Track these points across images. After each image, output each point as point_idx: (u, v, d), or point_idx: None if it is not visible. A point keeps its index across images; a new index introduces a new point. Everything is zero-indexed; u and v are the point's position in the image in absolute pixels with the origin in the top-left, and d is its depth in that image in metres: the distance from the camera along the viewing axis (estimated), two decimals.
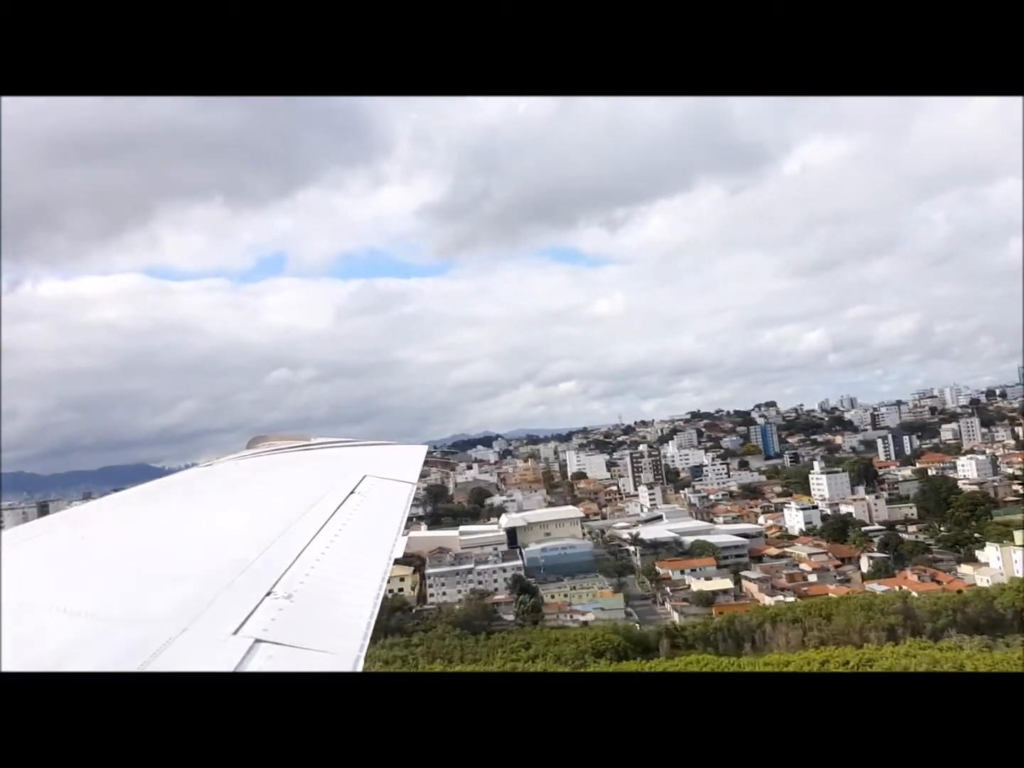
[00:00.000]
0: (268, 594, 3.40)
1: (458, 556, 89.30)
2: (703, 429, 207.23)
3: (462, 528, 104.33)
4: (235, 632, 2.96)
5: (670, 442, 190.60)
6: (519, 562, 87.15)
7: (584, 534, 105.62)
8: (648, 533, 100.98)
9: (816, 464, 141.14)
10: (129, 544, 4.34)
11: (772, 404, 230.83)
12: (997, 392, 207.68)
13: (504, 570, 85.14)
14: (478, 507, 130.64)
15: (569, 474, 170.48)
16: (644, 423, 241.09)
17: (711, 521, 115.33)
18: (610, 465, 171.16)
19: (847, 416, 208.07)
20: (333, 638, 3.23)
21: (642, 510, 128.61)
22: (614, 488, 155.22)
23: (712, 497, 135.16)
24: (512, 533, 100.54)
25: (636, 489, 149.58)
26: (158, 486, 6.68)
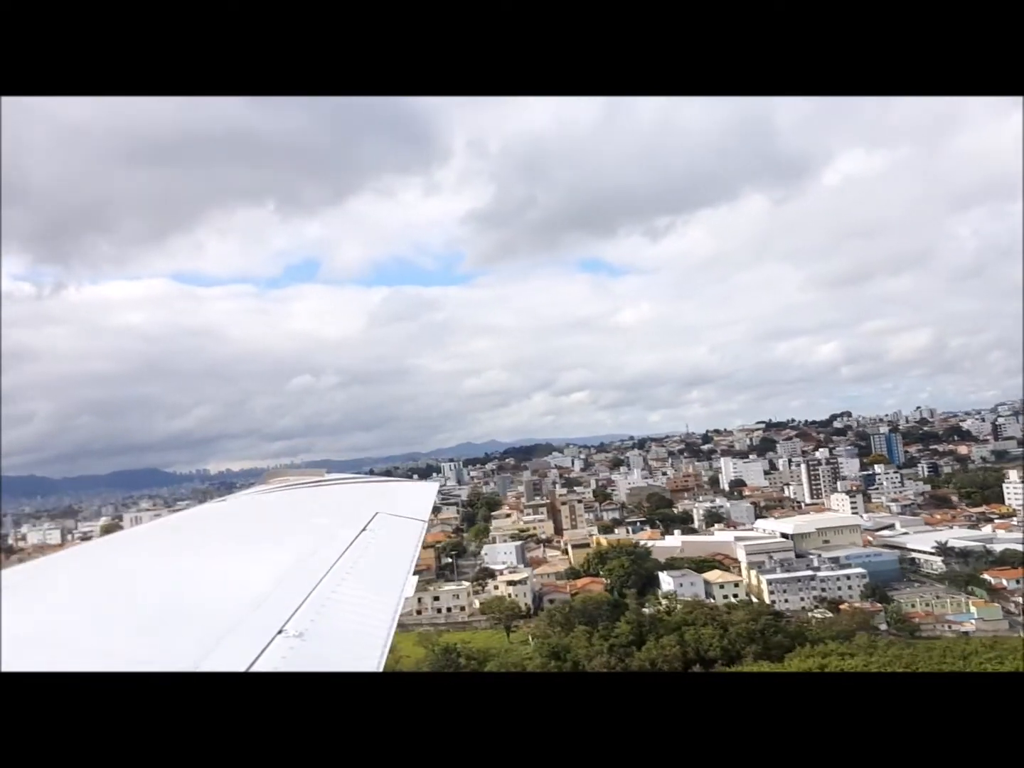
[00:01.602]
0: (279, 632, 3.38)
1: (784, 562, 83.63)
2: (798, 439, 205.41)
3: (736, 535, 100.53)
4: (245, 671, 2.94)
5: (773, 452, 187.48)
6: (859, 570, 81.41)
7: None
8: (913, 542, 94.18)
9: (1013, 473, 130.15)
10: (139, 582, 4.32)
11: (893, 416, 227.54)
12: None
13: (848, 577, 79.55)
14: (666, 512, 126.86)
15: (725, 482, 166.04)
16: (719, 432, 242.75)
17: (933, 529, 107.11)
18: (765, 473, 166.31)
19: (964, 426, 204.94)
20: None
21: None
22: (783, 495, 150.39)
23: (907, 505, 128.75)
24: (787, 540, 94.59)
25: (815, 497, 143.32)
26: (170, 522, 6.68)
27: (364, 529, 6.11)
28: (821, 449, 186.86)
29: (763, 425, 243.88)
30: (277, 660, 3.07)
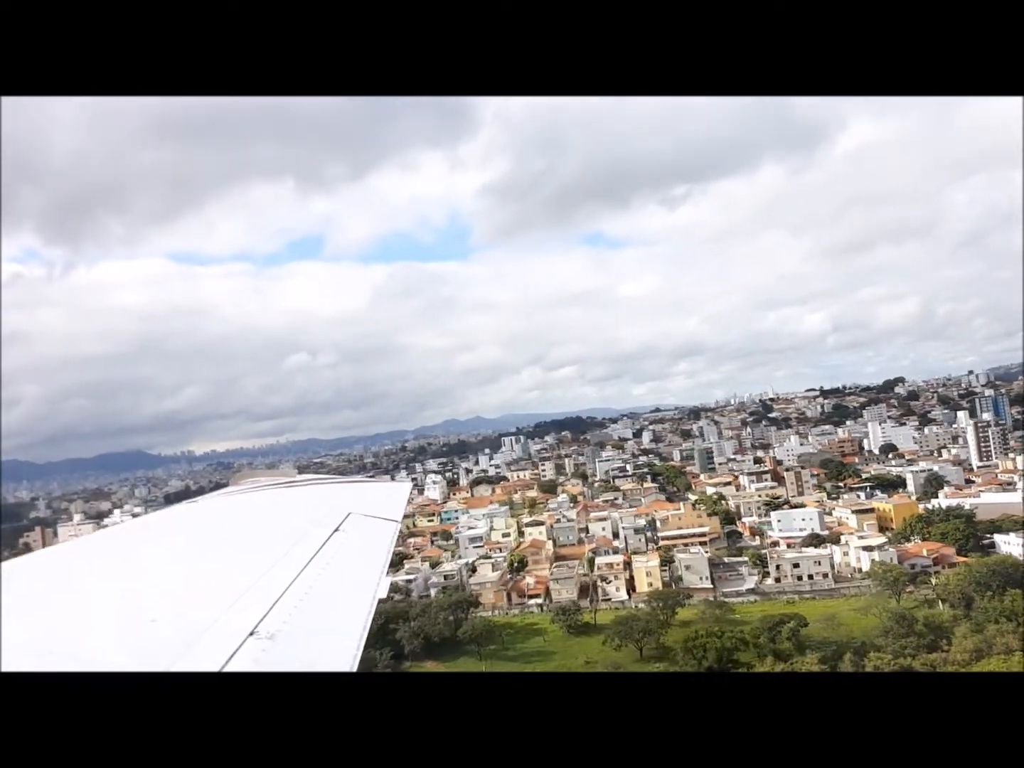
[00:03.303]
0: (251, 634, 3.35)
1: None
2: (881, 405, 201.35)
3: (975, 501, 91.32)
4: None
5: (863, 417, 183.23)
6: None
7: None
8: None
9: None
10: (108, 585, 4.26)
11: (947, 381, 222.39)
12: None
13: None
14: (883, 476, 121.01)
15: (872, 447, 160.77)
16: (775, 399, 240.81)
17: None
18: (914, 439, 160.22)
19: None
20: None
21: None
22: (958, 459, 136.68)
23: None
24: None
25: (984, 460, 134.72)
26: (139, 524, 6.54)
27: (336, 530, 6.04)
28: (953, 411, 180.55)
29: (816, 392, 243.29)
30: (249, 662, 3.04)
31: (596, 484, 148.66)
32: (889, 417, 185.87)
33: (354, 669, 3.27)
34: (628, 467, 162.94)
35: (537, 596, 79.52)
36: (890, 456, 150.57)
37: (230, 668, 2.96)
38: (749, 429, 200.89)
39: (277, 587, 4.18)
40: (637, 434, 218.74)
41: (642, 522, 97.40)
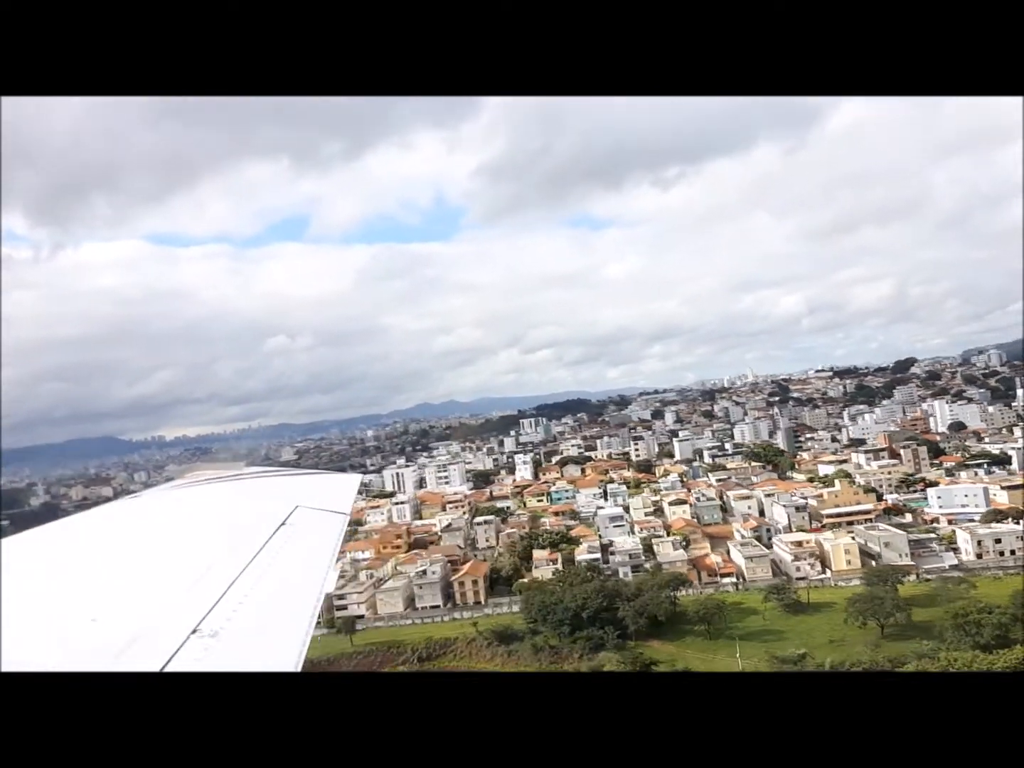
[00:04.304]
0: (193, 632, 3.30)
1: None
2: (912, 385, 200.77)
3: None
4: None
5: (893, 397, 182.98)
6: None
7: None
8: None
9: None
10: (45, 583, 4.13)
11: (955, 360, 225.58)
12: None
13: None
14: (987, 452, 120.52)
15: (941, 425, 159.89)
16: (789, 380, 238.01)
17: None
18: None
19: None
20: None
21: None
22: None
23: None
24: None
25: None
26: (80, 520, 6.38)
27: (283, 524, 5.93)
28: (966, 390, 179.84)
29: (830, 372, 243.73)
30: (191, 661, 2.99)
31: (695, 463, 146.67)
32: (950, 396, 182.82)
33: (299, 665, 3.21)
34: (727, 446, 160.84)
35: (730, 574, 78.30)
36: (959, 434, 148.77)
37: (171, 667, 2.89)
38: (776, 409, 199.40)
39: (221, 584, 4.08)
40: (657, 415, 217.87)
41: (800, 500, 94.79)
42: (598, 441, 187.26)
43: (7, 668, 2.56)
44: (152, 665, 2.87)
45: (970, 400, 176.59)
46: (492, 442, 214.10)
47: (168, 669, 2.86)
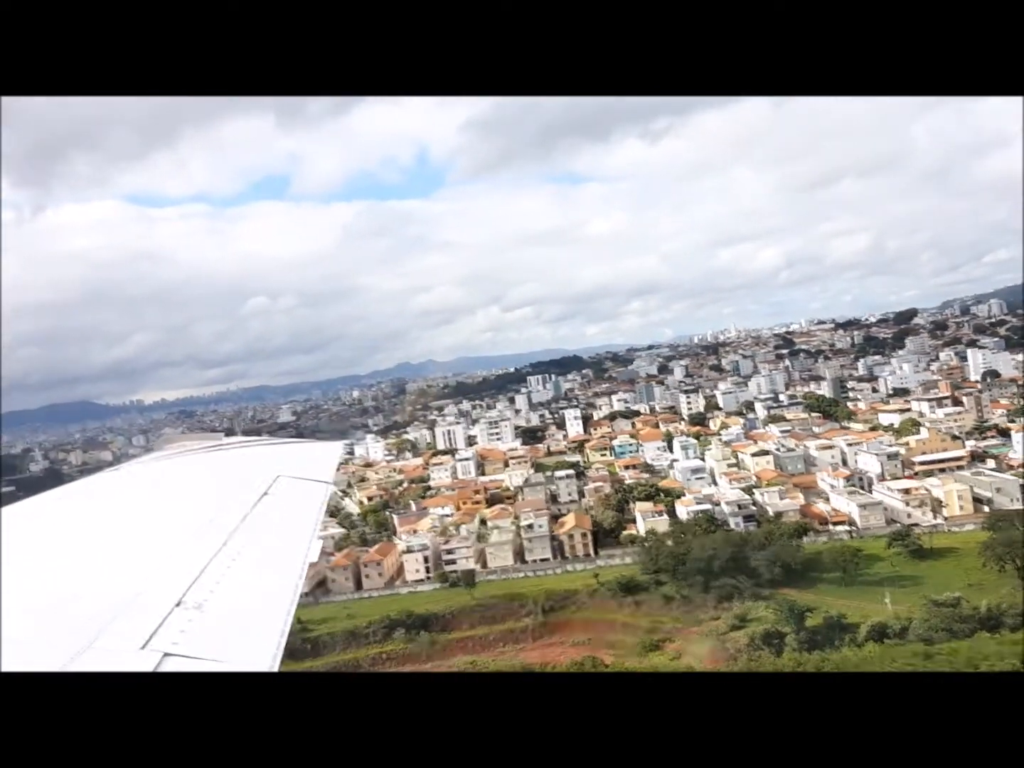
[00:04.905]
0: (177, 605, 3.27)
1: None
2: (923, 334, 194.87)
3: None
4: (143, 646, 2.84)
5: (904, 348, 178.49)
6: None
7: None
8: None
9: None
10: (26, 557, 4.05)
11: (951, 311, 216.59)
12: None
13: None
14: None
15: (975, 374, 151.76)
16: (790, 331, 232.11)
17: None
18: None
19: None
20: (246, 648, 3.14)
21: None
22: None
23: None
24: None
25: None
26: (60, 494, 6.27)
27: (265, 494, 5.86)
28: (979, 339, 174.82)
29: (831, 324, 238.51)
30: (175, 634, 2.96)
31: (751, 415, 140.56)
32: (963, 344, 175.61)
33: (285, 633, 3.20)
34: (783, 397, 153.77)
35: (842, 522, 76.68)
36: (996, 380, 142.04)
37: (156, 640, 2.86)
38: (788, 362, 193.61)
39: (203, 556, 4.03)
40: (662, 370, 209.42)
41: (889, 448, 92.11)
42: (611, 397, 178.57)
43: (7, 668, 2.55)
44: (137, 641, 2.85)
45: (988, 349, 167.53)
46: (502, 400, 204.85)
47: (151, 646, 2.84)
